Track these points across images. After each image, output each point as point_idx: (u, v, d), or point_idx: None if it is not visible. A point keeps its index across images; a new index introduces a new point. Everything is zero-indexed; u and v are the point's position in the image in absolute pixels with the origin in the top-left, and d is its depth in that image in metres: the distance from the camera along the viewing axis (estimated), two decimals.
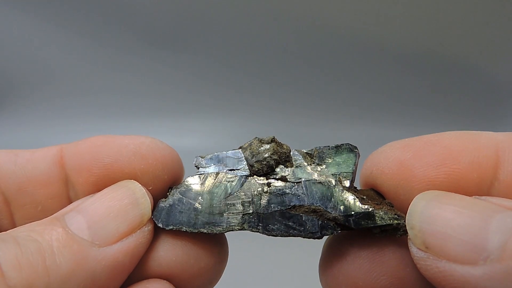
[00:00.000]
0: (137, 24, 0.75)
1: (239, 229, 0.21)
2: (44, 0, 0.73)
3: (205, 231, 0.21)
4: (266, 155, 0.21)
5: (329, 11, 0.70)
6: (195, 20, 0.73)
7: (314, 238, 0.20)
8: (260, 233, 0.21)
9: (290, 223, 0.20)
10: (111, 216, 0.19)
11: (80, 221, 0.19)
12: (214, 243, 0.22)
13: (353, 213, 0.20)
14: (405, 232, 0.19)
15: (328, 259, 0.22)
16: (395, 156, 0.20)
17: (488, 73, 0.75)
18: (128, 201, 0.20)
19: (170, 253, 0.21)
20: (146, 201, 0.21)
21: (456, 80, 0.76)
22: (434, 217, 0.17)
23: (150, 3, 0.72)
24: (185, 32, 0.75)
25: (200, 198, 0.21)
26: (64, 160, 0.23)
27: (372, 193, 0.22)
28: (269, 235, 0.20)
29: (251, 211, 0.21)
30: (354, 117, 0.79)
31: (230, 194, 0.21)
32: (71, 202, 0.22)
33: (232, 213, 0.21)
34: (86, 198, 0.21)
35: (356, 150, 0.21)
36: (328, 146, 0.22)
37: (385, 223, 0.20)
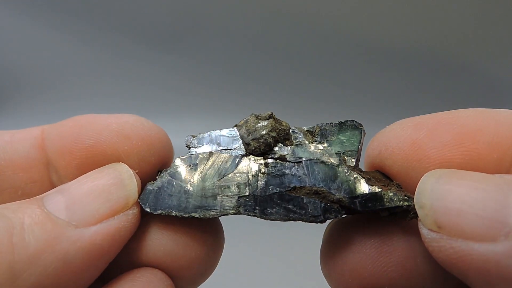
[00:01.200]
0: (136, 26, 0.74)
1: (234, 213, 0.19)
2: (43, 2, 0.72)
3: (197, 215, 0.19)
4: (264, 132, 0.19)
5: (329, 9, 0.69)
6: (193, 21, 0.72)
7: (317, 222, 0.18)
8: (257, 217, 0.19)
9: (290, 206, 0.18)
10: (92, 196, 0.18)
11: (58, 201, 0.17)
12: (207, 231, 0.21)
13: (359, 194, 0.18)
14: (416, 214, 0.17)
15: (331, 248, 0.20)
16: (406, 135, 0.19)
17: (488, 73, 0.74)
18: (113, 182, 0.19)
19: (157, 242, 0.20)
20: (132, 183, 0.19)
21: (456, 80, 0.75)
22: (447, 193, 0.15)
23: (146, 6, 0.71)
24: (182, 33, 0.74)
25: (191, 180, 0.20)
26: (45, 142, 0.21)
27: (378, 174, 0.20)
28: (267, 219, 0.19)
29: (247, 194, 0.19)
30: (354, 118, 0.78)
31: (224, 175, 0.20)
32: (54, 187, 0.21)
33: (227, 195, 0.19)
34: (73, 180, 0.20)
35: (362, 127, 0.20)
36: (331, 123, 0.20)
37: (394, 205, 0.18)
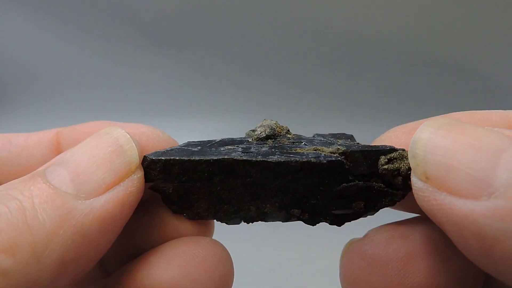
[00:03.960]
0: (138, 24, 0.75)
1: (239, 157, 0.19)
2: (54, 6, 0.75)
3: (198, 158, 0.20)
4: (270, 122, 0.22)
5: (329, 9, 0.70)
6: (196, 19, 0.74)
7: (317, 164, 0.19)
8: (258, 163, 0.19)
9: (291, 155, 0.20)
10: (95, 166, 0.18)
11: (62, 174, 0.17)
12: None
13: (356, 147, 0.20)
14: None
15: (351, 272, 0.20)
16: (401, 142, 0.20)
17: (488, 73, 0.74)
18: (112, 149, 0.18)
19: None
20: (131, 147, 0.19)
21: (455, 80, 0.75)
22: (440, 147, 0.15)
23: (153, 9, 0.73)
24: (185, 31, 0.75)
25: (198, 147, 0.21)
26: (61, 146, 0.23)
27: None
28: (267, 164, 0.19)
29: (252, 151, 0.20)
30: (353, 119, 0.79)
31: (229, 143, 0.21)
32: None
33: (232, 151, 0.20)
34: (68, 150, 0.20)
35: (352, 136, 0.22)
36: (325, 134, 0.22)
37: (389, 148, 0.19)
